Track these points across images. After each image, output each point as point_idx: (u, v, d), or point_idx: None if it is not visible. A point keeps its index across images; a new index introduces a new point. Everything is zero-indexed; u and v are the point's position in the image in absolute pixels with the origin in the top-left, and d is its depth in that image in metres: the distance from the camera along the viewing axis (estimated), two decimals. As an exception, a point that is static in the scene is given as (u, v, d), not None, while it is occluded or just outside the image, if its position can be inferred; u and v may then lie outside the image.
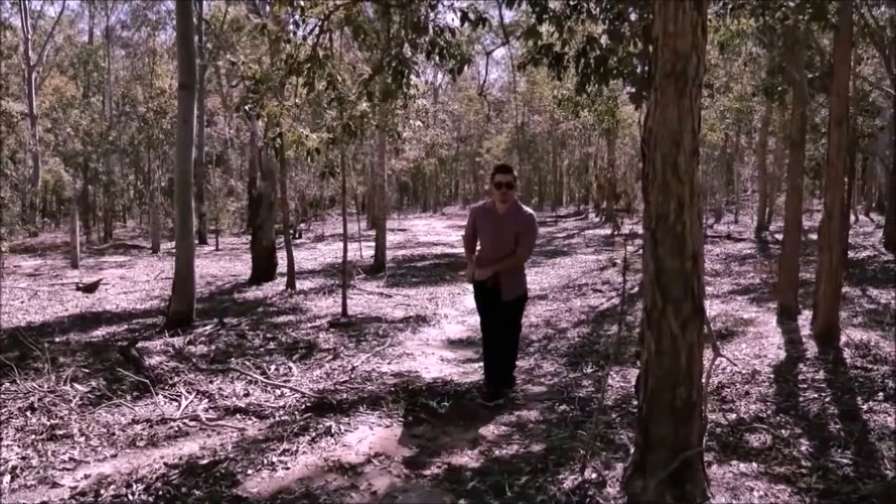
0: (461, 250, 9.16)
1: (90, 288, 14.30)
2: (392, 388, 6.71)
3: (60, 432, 5.54)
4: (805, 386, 6.37)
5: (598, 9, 7.67)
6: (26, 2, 33.79)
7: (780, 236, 15.45)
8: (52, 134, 35.33)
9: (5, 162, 23.25)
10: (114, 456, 5.16)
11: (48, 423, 5.70)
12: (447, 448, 5.21)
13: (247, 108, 8.04)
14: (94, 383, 6.78)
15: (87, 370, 7.25)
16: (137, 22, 36.16)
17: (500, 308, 6.35)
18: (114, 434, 5.56)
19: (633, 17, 7.33)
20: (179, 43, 10.48)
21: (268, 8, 14.48)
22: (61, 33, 40.03)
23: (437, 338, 9.29)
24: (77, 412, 6.01)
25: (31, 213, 30.30)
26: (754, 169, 31.97)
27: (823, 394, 6.12)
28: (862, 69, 17.71)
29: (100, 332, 9.68)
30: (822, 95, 14.51)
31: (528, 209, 6.50)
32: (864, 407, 5.73)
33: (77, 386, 6.67)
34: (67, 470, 4.90)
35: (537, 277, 14.76)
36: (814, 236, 11.59)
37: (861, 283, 11.87)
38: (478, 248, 6.61)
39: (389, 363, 7.83)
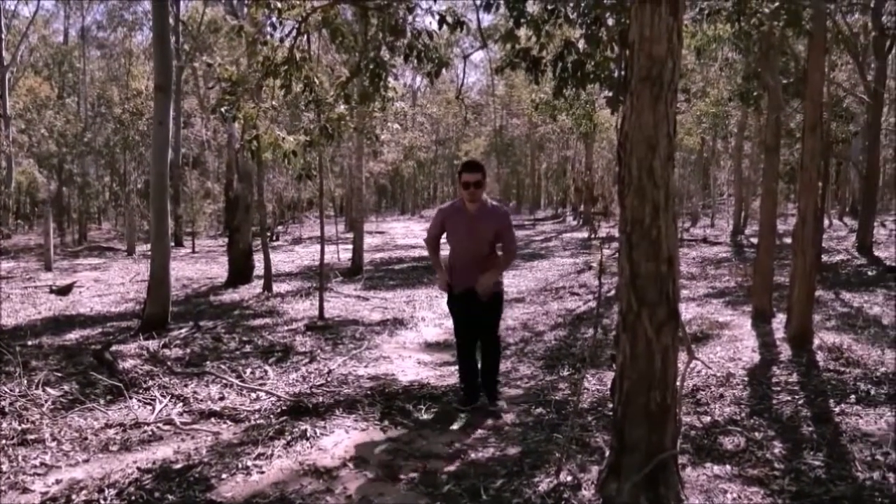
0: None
1: (64, 291, 14.15)
2: (368, 392, 6.69)
3: (32, 437, 5.47)
4: (779, 389, 6.42)
5: (575, 13, 7.71)
6: (0, 1, 33.43)
7: (755, 240, 15.57)
8: (25, 135, 34.89)
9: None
10: (86, 461, 5.10)
11: (19, 428, 5.63)
12: (423, 451, 5.20)
13: (223, 110, 7.98)
14: (66, 387, 6.71)
15: (59, 374, 7.17)
16: (113, 22, 35.86)
17: (479, 308, 6.00)
18: (86, 438, 5.50)
19: (610, 21, 7.38)
20: (156, 44, 10.39)
21: (245, 9, 14.41)
22: (36, 33, 39.58)
23: (414, 341, 9.27)
24: (49, 416, 5.94)
25: (3, 215, 29.95)
26: (730, 173, 32.26)
27: (796, 396, 6.17)
28: (836, 75, 17.93)
29: (73, 336, 9.58)
30: (797, 101, 14.67)
31: (499, 204, 6.28)
32: (837, 409, 5.79)
33: (49, 390, 6.59)
34: (38, 475, 4.84)
35: (515, 280, 14.78)
36: (788, 240, 11.70)
37: (834, 287, 11.99)
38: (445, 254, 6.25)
39: (366, 366, 7.81)
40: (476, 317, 6.07)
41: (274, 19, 7.49)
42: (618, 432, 4.13)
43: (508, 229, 6.01)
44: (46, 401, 6.28)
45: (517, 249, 6.43)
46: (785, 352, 7.66)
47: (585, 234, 25.84)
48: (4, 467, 4.91)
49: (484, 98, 51.39)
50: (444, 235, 6.15)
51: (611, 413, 4.84)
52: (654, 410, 3.99)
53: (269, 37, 7.83)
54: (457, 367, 7.09)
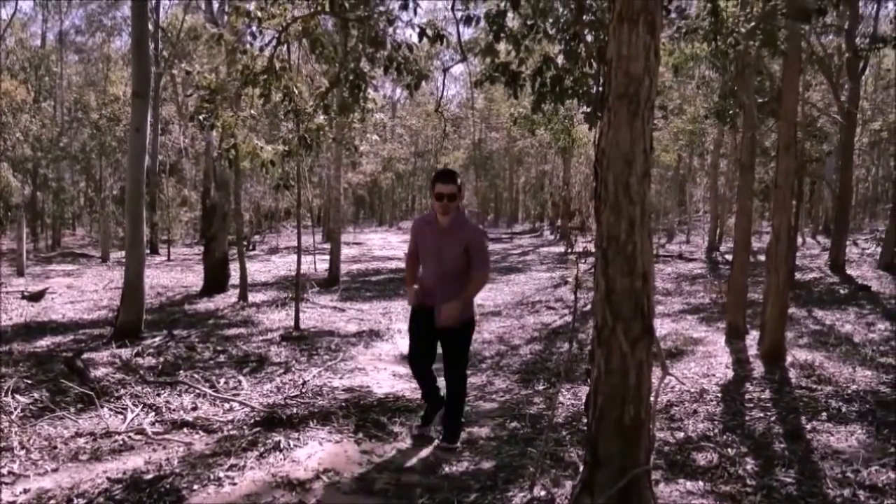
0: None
1: (36, 297, 13.99)
2: (343, 404, 6.66)
3: (0, 445, 5.39)
4: (751, 405, 6.47)
5: (554, 29, 7.78)
6: (-23, 4, 33.14)
7: (730, 256, 15.71)
8: (0, 139, 34.55)
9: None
10: (55, 470, 5.03)
11: (-13, 436, 5.54)
12: (397, 465, 5.18)
13: (201, 117, 7.96)
14: (36, 395, 6.62)
15: (29, 381, 7.07)
16: (92, 27, 35.66)
17: (444, 337, 5.48)
18: (56, 447, 5.43)
19: (588, 38, 7.44)
20: (134, 50, 10.33)
21: (225, 18, 14.39)
22: (13, 36, 39.18)
23: (390, 353, 9.25)
24: (18, 424, 5.86)
25: (-25, 220, 29.55)
26: (706, 190, 32.57)
27: (769, 413, 6.22)
28: (810, 95, 18.18)
29: (44, 343, 9.46)
30: (772, 120, 14.84)
31: (473, 221, 5.82)
32: (808, 427, 5.84)
33: (19, 397, 6.50)
34: (6, 484, 4.76)
35: (491, 294, 14.80)
36: (762, 257, 11.82)
37: (807, 305, 12.12)
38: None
39: (341, 378, 7.78)
40: (433, 343, 5.60)
41: (254, 28, 7.49)
42: (591, 447, 4.14)
43: (481, 248, 5.44)
44: (15, 408, 6.19)
45: (489, 272, 5.86)
46: (758, 368, 7.71)
47: (562, 249, 25.94)
48: (-29, 476, 4.83)
49: (463, 111, 51.55)
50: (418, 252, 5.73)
51: (585, 428, 4.84)
52: (628, 425, 4.00)
53: (248, 46, 7.82)
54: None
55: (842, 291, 13.86)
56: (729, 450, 5.32)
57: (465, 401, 5.77)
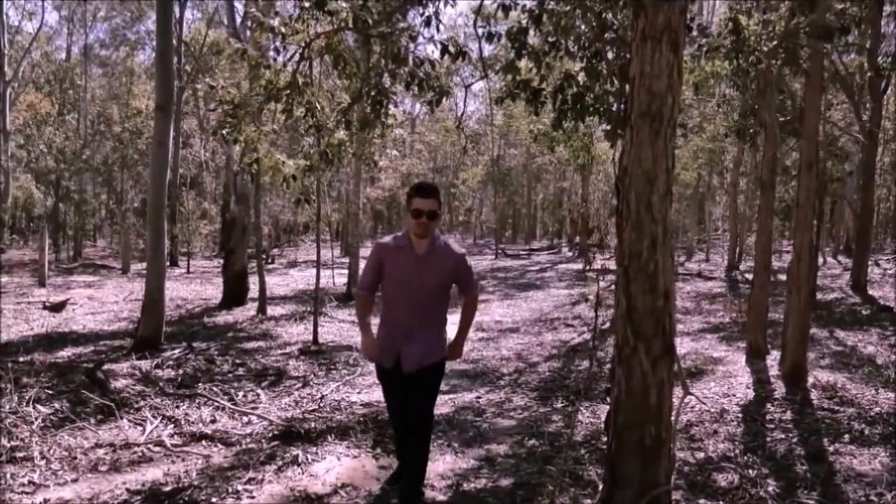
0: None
1: (57, 307, 14.10)
2: (361, 418, 6.65)
3: (20, 454, 5.43)
4: (773, 426, 6.41)
5: (576, 46, 7.78)
6: (4, 17, 33.59)
7: (750, 276, 15.60)
8: (24, 150, 34.96)
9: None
10: (75, 480, 5.06)
11: (8, 445, 5.59)
12: (415, 480, 5.16)
13: (224, 132, 8.01)
14: (57, 405, 6.67)
15: (50, 391, 7.12)
16: (116, 41, 36.02)
17: (417, 379, 4.49)
18: (76, 458, 5.46)
19: (610, 55, 7.43)
20: (158, 63, 10.46)
21: (248, 32, 14.51)
22: (38, 49, 39.69)
23: (408, 368, 9.23)
24: (39, 434, 5.90)
25: (-1, 230, 29.88)
26: (725, 209, 32.41)
27: (790, 434, 6.16)
28: (832, 114, 18.07)
29: (65, 353, 9.53)
30: (793, 139, 14.77)
31: (456, 245, 4.70)
32: (831, 449, 5.78)
33: (40, 407, 6.55)
34: (26, 493, 4.80)
35: (509, 310, 14.78)
36: (783, 277, 11.73)
37: (829, 325, 12.00)
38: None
39: (359, 393, 7.78)
40: (405, 385, 4.56)
41: (277, 44, 7.53)
42: (611, 466, 4.12)
43: (469, 276, 4.65)
44: (37, 418, 6.24)
45: (479, 293, 5.06)
46: (779, 389, 7.65)
47: (581, 266, 25.85)
48: (-8, 485, 4.87)
49: (482, 127, 51.65)
50: (381, 285, 4.62)
51: (604, 447, 4.82)
52: (649, 445, 3.98)
53: (272, 61, 7.87)
54: (454, 395, 7.03)
55: (864, 312, 13.72)
56: (750, 471, 5.27)
57: (428, 451, 4.77)
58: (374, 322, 4.63)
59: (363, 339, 4.59)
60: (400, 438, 4.76)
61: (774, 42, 8.50)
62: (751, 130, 13.80)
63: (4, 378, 7.31)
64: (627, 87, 4.23)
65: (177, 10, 24.80)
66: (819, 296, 15.09)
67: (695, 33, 8.23)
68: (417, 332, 4.46)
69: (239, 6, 18.70)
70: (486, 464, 5.57)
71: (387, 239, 4.63)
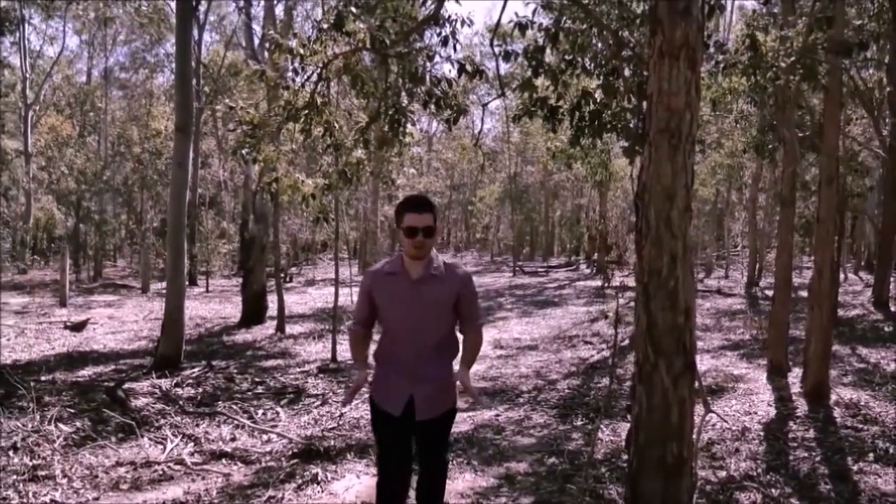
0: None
1: (78, 327, 14.20)
2: (380, 437, 6.63)
3: (42, 473, 5.46)
4: (795, 444, 6.35)
5: (592, 64, 7.81)
6: (26, 41, 34.11)
7: (770, 292, 15.50)
8: (45, 172, 35.37)
9: (-2, 198, 23.24)
10: (96, 499, 5.09)
11: (30, 464, 5.62)
12: (435, 499, 5.14)
13: (243, 151, 8.10)
14: (78, 424, 6.71)
15: (72, 410, 7.17)
16: (136, 64, 36.42)
17: (420, 431, 3.89)
18: (97, 476, 5.49)
19: (626, 72, 7.46)
20: (177, 85, 10.57)
21: (266, 54, 14.65)
22: (59, 73, 40.24)
23: (427, 386, 9.21)
24: (60, 453, 5.93)
25: (20, 251, 30.22)
26: (745, 224, 32.21)
27: (814, 453, 6.09)
28: (851, 129, 17.98)
29: (86, 372, 9.59)
30: (813, 154, 14.71)
31: (458, 264, 4.07)
32: (855, 468, 5.71)
33: (61, 426, 6.59)
34: (48, 512, 4.82)
35: (528, 328, 14.73)
36: (804, 293, 11.65)
37: (851, 342, 11.88)
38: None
39: (378, 411, 7.76)
40: (407, 446, 3.97)
41: (296, 65, 7.61)
42: (632, 485, 4.09)
43: (473, 301, 3.98)
44: (58, 437, 6.28)
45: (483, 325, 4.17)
46: (801, 407, 7.57)
47: (599, 283, 25.76)
48: (15, 503, 4.90)
49: (499, 145, 51.76)
50: (378, 317, 4.01)
51: (625, 465, 4.78)
52: (670, 463, 3.95)
53: (290, 82, 7.95)
54: (473, 412, 6.98)
55: (886, 329, 13.58)
56: (773, 490, 5.22)
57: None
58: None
59: (358, 376, 3.94)
60: (392, 491, 3.99)
61: (792, 58, 8.49)
62: (770, 146, 13.76)
63: (27, 397, 7.37)
64: (645, 104, 4.24)
65: (195, 32, 25.06)
66: (841, 312, 14.96)
67: (712, 50, 8.23)
68: (427, 370, 3.81)
69: (257, 28, 18.91)
70: (506, 482, 5.54)
71: (377, 266, 4.04)
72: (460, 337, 4.00)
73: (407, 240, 3.76)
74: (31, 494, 5.07)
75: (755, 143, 14.81)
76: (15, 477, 5.35)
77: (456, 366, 3.95)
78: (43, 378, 8.98)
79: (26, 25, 32.63)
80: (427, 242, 3.75)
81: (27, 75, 33.95)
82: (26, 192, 31.54)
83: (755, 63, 8.49)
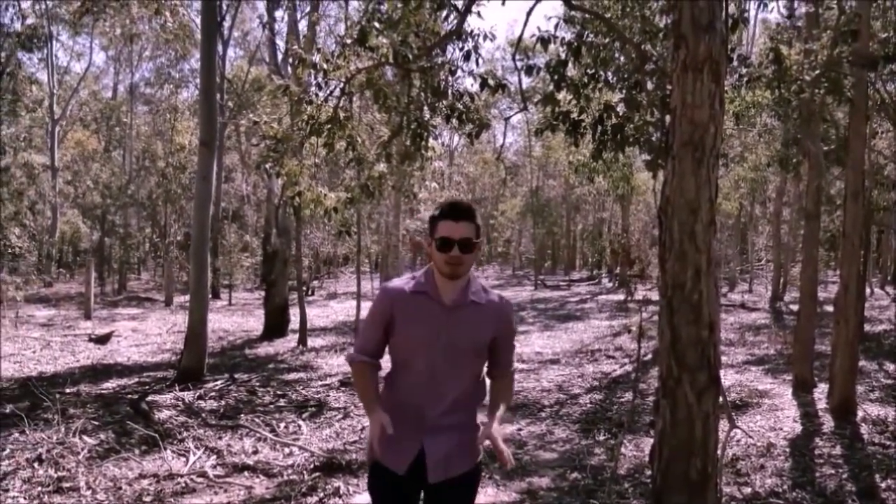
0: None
1: (102, 339, 14.32)
2: (402, 451, 6.62)
3: (67, 485, 5.50)
4: (821, 461, 6.27)
5: (615, 78, 7.82)
6: (53, 57, 34.61)
7: (794, 307, 15.36)
8: (71, 186, 35.81)
9: (24, 212, 23.54)
10: (120, 511, 5.10)
11: (55, 476, 5.66)
12: (457, 513, 5.12)
13: (267, 165, 8.17)
14: (102, 436, 6.75)
15: (96, 422, 7.23)
16: (161, 79, 36.81)
17: (433, 497, 3.01)
18: (120, 488, 5.51)
19: (649, 86, 7.45)
20: (202, 100, 10.67)
21: (289, 69, 14.77)
22: (86, 89, 40.80)
23: (448, 400, 9.20)
24: (85, 465, 5.97)
25: (46, 264, 30.54)
26: (768, 239, 31.97)
27: (840, 470, 6.01)
28: (877, 143, 17.81)
29: (110, 385, 9.67)
30: (838, 168, 14.59)
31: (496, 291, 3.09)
32: (883, 485, 5.63)
33: (86, 438, 6.64)
34: (72, 524, 4.85)
35: (549, 342, 14.68)
36: (829, 308, 11.53)
37: (877, 358, 11.73)
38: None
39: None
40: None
41: (319, 79, 7.67)
42: (656, 500, 4.05)
43: (513, 336, 3.14)
44: (83, 449, 6.32)
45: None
46: (827, 423, 7.48)
47: (621, 297, 25.64)
48: (39, 515, 4.93)
49: (521, 159, 51.79)
50: (390, 346, 3.05)
51: (649, 480, 4.74)
52: (695, 479, 3.91)
53: (313, 96, 8.01)
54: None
55: (914, 344, 13.41)
56: (799, 507, 5.15)
57: None
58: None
59: (373, 421, 2.81)
60: None
61: (817, 71, 8.44)
62: (794, 160, 13.67)
63: (52, 409, 7.44)
64: (668, 117, 4.23)
65: (220, 48, 25.32)
66: (867, 327, 14.77)
67: (736, 63, 8.21)
68: (444, 417, 2.95)
69: (280, 44, 19.05)
70: (528, 497, 5.51)
71: (399, 282, 3.03)
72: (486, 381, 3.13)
73: (439, 254, 2.86)
74: (55, 506, 5.10)
75: (779, 157, 14.74)
76: (40, 488, 5.40)
77: (481, 415, 3.08)
78: (68, 390, 9.06)
79: (54, 42, 33.11)
80: (465, 259, 2.85)
81: (54, 91, 34.43)
82: (52, 206, 31.91)
83: (779, 76, 8.46)
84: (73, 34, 34.08)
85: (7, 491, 5.34)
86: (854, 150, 7.96)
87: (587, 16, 7.90)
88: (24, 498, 5.22)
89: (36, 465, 5.90)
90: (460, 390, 2.99)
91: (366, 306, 12.64)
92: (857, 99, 8.05)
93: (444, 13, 7.73)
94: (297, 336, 13.91)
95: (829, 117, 12.12)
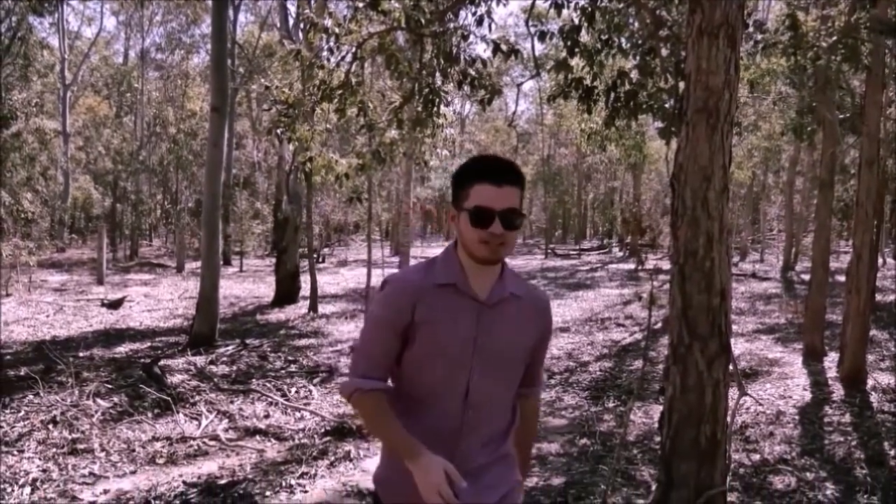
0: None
1: (115, 304, 14.42)
2: (412, 416, 6.67)
3: (81, 447, 5.57)
4: (831, 429, 6.28)
5: (629, 44, 7.72)
6: (64, 22, 34.52)
7: (806, 277, 15.30)
8: (83, 152, 35.89)
9: (37, 178, 23.61)
10: (133, 472, 5.18)
11: (70, 437, 5.74)
12: (466, 478, 5.17)
13: (278, 131, 8.14)
14: (116, 399, 6.83)
15: (109, 386, 7.30)
16: (172, 45, 36.70)
17: None
18: (134, 450, 5.58)
19: (664, 52, 7.36)
20: (213, 66, 10.64)
21: (301, 34, 14.68)
22: (97, 54, 40.75)
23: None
24: (98, 427, 6.04)
25: (59, 229, 30.70)
26: (781, 208, 31.82)
27: (849, 437, 6.02)
28: (893, 111, 17.62)
29: (123, 349, 9.75)
30: (853, 136, 14.43)
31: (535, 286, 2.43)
32: (892, 452, 5.64)
33: (99, 401, 6.71)
34: (87, 484, 4.92)
35: (560, 310, 14.70)
36: (841, 278, 11.48)
37: (889, 327, 11.70)
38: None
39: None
40: None
41: (331, 44, 7.61)
42: (666, 466, 4.07)
43: (549, 342, 2.49)
44: (97, 412, 6.39)
45: None
46: (837, 391, 7.48)
47: (632, 266, 25.59)
48: (55, 475, 5.01)
49: (532, 127, 51.51)
50: (401, 362, 2.21)
51: (657, 447, 4.77)
52: (704, 445, 3.93)
53: (325, 61, 7.96)
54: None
55: (925, 314, 13.36)
56: (808, 474, 5.17)
57: None
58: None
59: (425, 468, 1.98)
60: None
61: (834, 38, 8.32)
62: (808, 128, 13.53)
63: (66, 372, 7.51)
64: (682, 83, 4.18)
65: (231, 13, 25.17)
66: (879, 297, 14.70)
67: (751, 29, 8.09)
68: (481, 455, 2.20)
69: (292, 8, 18.92)
70: (538, 462, 5.55)
71: (413, 272, 2.22)
72: None
73: (473, 231, 2.06)
74: (70, 467, 5.17)
75: (793, 126, 14.57)
76: (55, 450, 5.47)
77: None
78: (81, 354, 9.16)
79: (65, 6, 33.00)
80: (508, 238, 2.07)
81: (65, 56, 34.37)
82: (64, 172, 32.00)
83: (796, 43, 8.34)
84: (83, -2, 33.95)
85: (22, 451, 5.42)
86: (870, 118, 7.87)
87: (602, -20, 7.80)
88: (40, 458, 5.29)
89: (51, 426, 5.98)
90: (501, 413, 2.25)
91: (376, 273, 12.62)
92: (875, 66, 7.94)
93: (457, -23, 7.64)
94: (307, 303, 13.97)
95: (845, 85, 11.97)
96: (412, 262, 18.81)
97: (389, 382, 2.23)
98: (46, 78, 31.55)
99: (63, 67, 33.73)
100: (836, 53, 8.29)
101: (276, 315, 13.56)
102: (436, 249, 40.54)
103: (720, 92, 3.86)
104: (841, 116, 11.11)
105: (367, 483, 4.97)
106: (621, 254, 34.73)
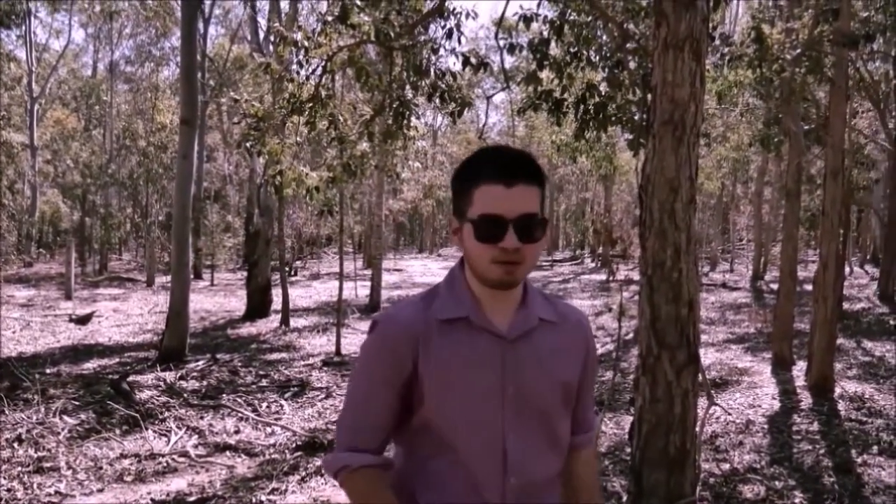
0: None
1: (83, 320, 14.24)
2: (384, 429, 6.64)
3: (47, 465, 5.49)
4: (799, 437, 6.34)
5: (597, 57, 7.79)
6: (32, 34, 34.14)
7: (775, 286, 15.47)
8: (51, 165, 35.45)
9: (3, 192, 23.31)
10: (100, 490, 5.11)
11: (35, 456, 5.65)
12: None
13: (248, 144, 8.11)
14: (83, 416, 6.74)
15: (76, 403, 7.20)
16: (142, 57, 36.44)
17: None
18: (101, 468, 5.51)
19: (632, 65, 7.43)
20: (183, 79, 10.58)
21: (271, 47, 14.65)
22: (65, 66, 40.33)
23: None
24: (65, 445, 5.96)
25: (26, 244, 30.29)
26: (750, 218, 32.17)
27: (818, 446, 6.09)
28: (857, 122, 17.90)
29: (91, 365, 9.62)
30: (818, 147, 14.66)
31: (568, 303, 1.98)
32: (859, 460, 5.70)
33: (66, 418, 6.62)
34: (53, 503, 4.84)
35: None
36: (809, 287, 11.63)
37: (856, 335, 11.85)
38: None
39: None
40: None
41: (300, 58, 7.60)
42: (636, 476, 4.08)
43: (596, 373, 1.99)
44: (63, 429, 6.30)
45: None
46: (805, 400, 7.56)
47: (603, 277, 25.75)
48: (20, 494, 4.93)
49: (504, 139, 51.72)
50: (411, 426, 1.70)
51: (628, 458, 4.78)
52: (674, 455, 3.94)
53: (294, 74, 7.95)
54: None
55: (891, 322, 13.54)
56: (777, 482, 5.22)
57: None
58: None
59: None
60: None
61: (798, 50, 8.46)
62: (775, 139, 13.71)
63: (32, 389, 7.40)
64: (650, 96, 4.22)
65: (201, 26, 25.07)
66: (846, 305, 14.92)
67: (717, 42, 8.21)
68: None
69: (262, 21, 18.89)
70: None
71: (409, 307, 1.74)
72: None
73: (480, 247, 1.60)
74: (35, 486, 5.09)
75: (761, 137, 14.76)
76: (20, 468, 5.38)
77: None
78: (48, 371, 9.02)
79: (32, 18, 32.66)
80: (528, 254, 1.60)
81: (33, 68, 33.98)
82: (32, 186, 31.61)
83: (761, 55, 8.47)
84: (51, 11, 33.65)
85: (-13, 471, 5.32)
86: (834, 129, 8.00)
87: (570, -6, 7.87)
88: (5, 478, 5.20)
89: (16, 445, 5.88)
90: (547, 473, 1.71)
91: (348, 286, 12.55)
92: (838, 78, 8.08)
93: (426, -9, 7.68)
94: (279, 316, 13.89)
95: (809, 96, 12.15)
96: (384, 274, 18.76)
97: (392, 453, 1.74)
98: (13, 91, 31.21)
99: (31, 80, 33.34)
100: (801, 66, 8.43)
101: (247, 329, 13.46)
102: (409, 261, 40.50)
103: (686, 104, 3.90)
104: (806, 127, 11.29)
105: (339, 498, 4.94)
106: (593, 265, 34.92)
